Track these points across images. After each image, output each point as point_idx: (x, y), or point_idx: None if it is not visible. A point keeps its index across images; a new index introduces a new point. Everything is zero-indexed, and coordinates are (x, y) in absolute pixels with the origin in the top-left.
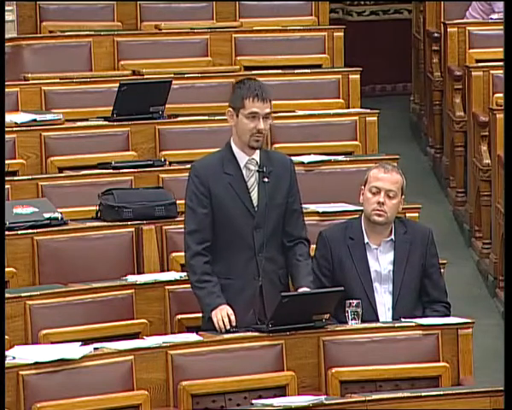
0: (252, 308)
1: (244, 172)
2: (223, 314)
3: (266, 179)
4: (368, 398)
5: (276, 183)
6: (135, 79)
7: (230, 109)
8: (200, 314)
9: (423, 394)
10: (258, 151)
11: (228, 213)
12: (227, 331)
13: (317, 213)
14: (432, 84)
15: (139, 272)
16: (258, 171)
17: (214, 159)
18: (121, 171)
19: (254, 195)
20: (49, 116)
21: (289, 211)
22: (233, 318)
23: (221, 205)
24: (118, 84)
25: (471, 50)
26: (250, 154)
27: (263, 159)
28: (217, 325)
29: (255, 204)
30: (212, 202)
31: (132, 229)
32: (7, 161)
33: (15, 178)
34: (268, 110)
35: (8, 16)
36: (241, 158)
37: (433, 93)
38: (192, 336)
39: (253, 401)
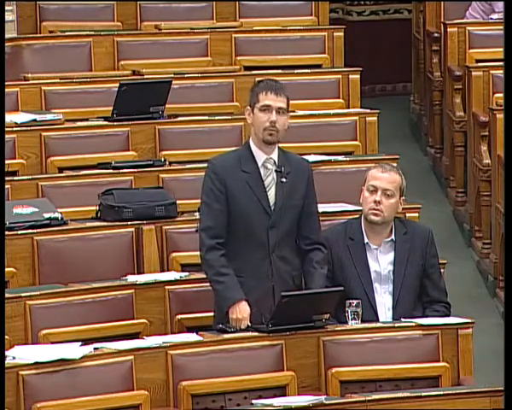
0: (259, 307)
1: (262, 170)
2: (242, 316)
3: (284, 180)
4: (368, 398)
5: (293, 184)
6: (135, 79)
7: (248, 107)
8: (200, 314)
9: (423, 394)
10: (276, 151)
11: (243, 210)
12: (230, 332)
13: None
14: (432, 84)
15: (139, 272)
16: (276, 171)
17: (232, 156)
18: (121, 171)
19: (271, 194)
20: (49, 116)
21: (306, 213)
22: (248, 321)
23: (237, 202)
24: (118, 84)
25: (471, 50)
26: (268, 153)
27: (281, 159)
28: (233, 323)
29: (271, 203)
30: (228, 199)
31: (132, 229)
32: (7, 161)
33: (15, 178)
34: (281, 104)
35: (8, 16)
36: (259, 156)
37: (433, 93)
38: (192, 336)
39: (253, 401)
